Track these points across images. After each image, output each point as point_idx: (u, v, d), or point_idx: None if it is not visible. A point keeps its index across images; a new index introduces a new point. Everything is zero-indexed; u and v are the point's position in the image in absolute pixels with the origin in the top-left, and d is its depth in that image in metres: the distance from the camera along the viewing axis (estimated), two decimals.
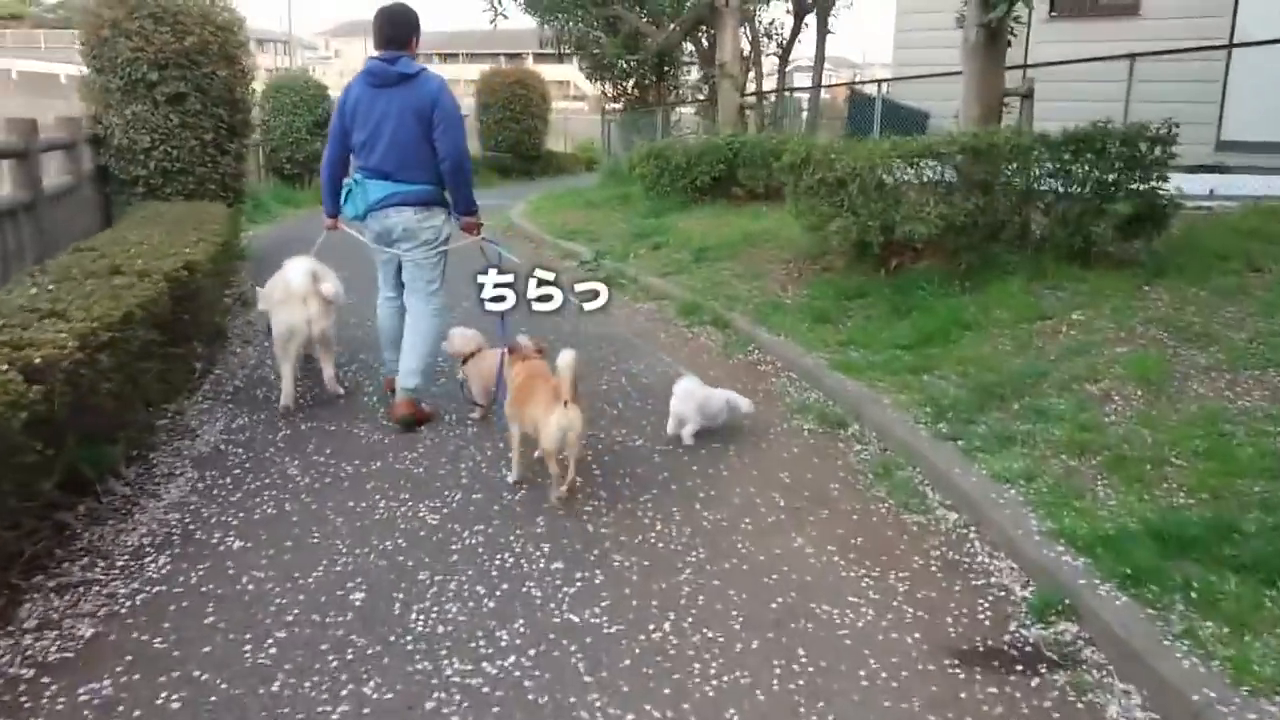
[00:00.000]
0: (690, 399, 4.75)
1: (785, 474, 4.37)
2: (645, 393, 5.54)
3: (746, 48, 15.83)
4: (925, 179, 6.89)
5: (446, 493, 4.06)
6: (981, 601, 3.24)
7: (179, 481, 4.09)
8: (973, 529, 3.76)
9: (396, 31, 4.73)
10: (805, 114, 16.30)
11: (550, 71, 50.22)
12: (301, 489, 4.05)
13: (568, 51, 18.67)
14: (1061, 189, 6.66)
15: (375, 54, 4.77)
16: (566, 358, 3.78)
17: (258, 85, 16.25)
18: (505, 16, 16.46)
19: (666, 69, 18.09)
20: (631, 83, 19.06)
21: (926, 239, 6.64)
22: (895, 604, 3.23)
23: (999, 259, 6.68)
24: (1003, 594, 3.29)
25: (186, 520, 3.72)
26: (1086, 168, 6.53)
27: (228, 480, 4.12)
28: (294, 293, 4.97)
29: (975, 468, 4.06)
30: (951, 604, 3.23)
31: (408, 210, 4.78)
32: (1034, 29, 9.76)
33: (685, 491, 4.14)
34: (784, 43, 16.88)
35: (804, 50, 17.50)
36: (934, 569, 3.48)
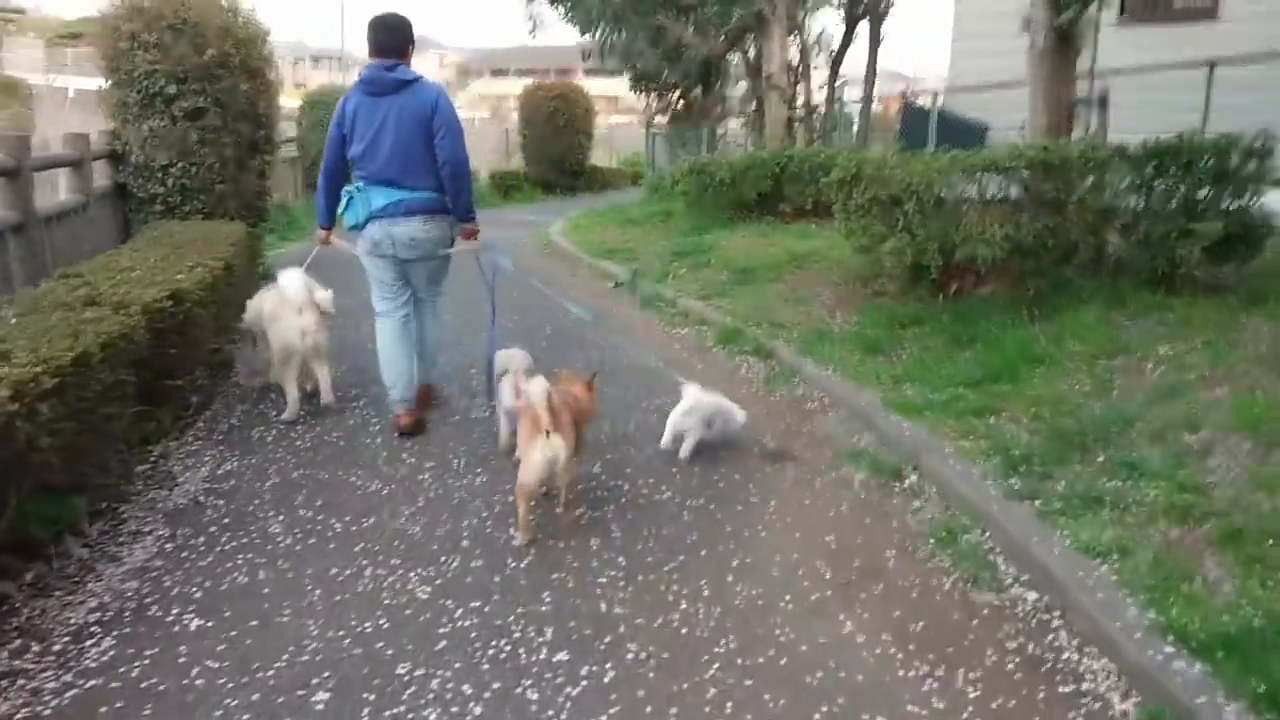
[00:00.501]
0: (697, 411, 4.62)
1: (832, 537, 3.81)
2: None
3: (795, 58, 15.29)
4: (988, 196, 6.28)
5: (443, 558, 3.56)
6: (1074, 716, 2.66)
7: (146, 541, 3.64)
8: (1057, 615, 3.17)
9: (392, 40, 4.78)
10: (856, 127, 15.71)
11: (600, 86, 50.06)
12: (281, 551, 3.58)
13: (613, 65, 18.22)
14: (1142, 207, 6.02)
15: (371, 62, 4.78)
16: (536, 387, 3.71)
17: (290, 100, 16.16)
18: (545, 29, 16.15)
19: (713, 81, 17.59)
20: (677, 95, 18.58)
21: (990, 262, 6.03)
22: (965, 718, 2.66)
23: (1071, 285, 6.06)
24: (1099, 706, 2.70)
25: (145, 591, 3.27)
26: (1171, 183, 5.89)
27: (201, 540, 3.66)
28: (290, 304, 4.94)
29: (1057, 535, 3.47)
30: (1036, 718, 2.65)
31: (415, 219, 4.79)
32: (1100, 34, 9.10)
33: (716, 559, 3.60)
34: (834, 53, 16.30)
35: (855, 63, 16.98)
36: (1012, 668, 2.90)
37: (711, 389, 4.88)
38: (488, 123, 31.13)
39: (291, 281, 5.03)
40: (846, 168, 7.12)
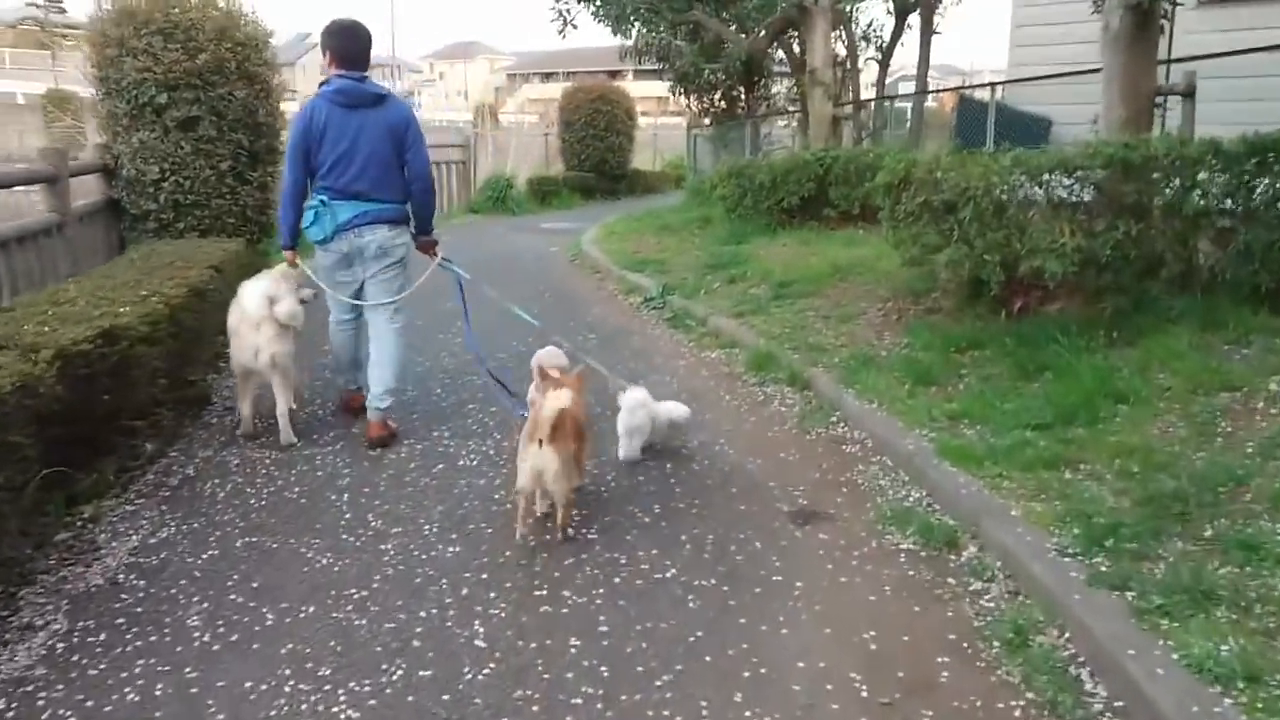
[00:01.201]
0: (640, 410, 4.56)
1: (871, 633, 3.07)
2: (691, 489, 4.30)
3: (842, 52, 14.48)
4: (1057, 200, 5.47)
5: (385, 666, 2.88)
6: None
7: (37, 639, 3.02)
8: None
9: (362, 49, 4.79)
10: (908, 125, 14.81)
11: (649, 88, 49.50)
12: (192, 654, 2.94)
13: (650, 66, 17.54)
14: (1241, 211, 5.17)
15: (341, 73, 4.71)
16: (551, 402, 3.60)
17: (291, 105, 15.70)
18: (574, 27, 15.59)
19: (755, 79, 16.81)
20: (718, 95, 17.82)
21: (1059, 276, 5.22)
22: None
23: (1157, 303, 5.23)
24: None
25: (10, 716, 2.65)
26: (1276, 184, 5.04)
27: (101, 637, 3.03)
28: (247, 318, 4.72)
29: (1159, 646, 2.69)
30: None
31: (382, 228, 4.80)
32: (1179, 16, 8.18)
33: (723, 669, 2.88)
34: (884, 46, 15.41)
35: (906, 57, 16.08)
36: None
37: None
38: (535, 126, 30.65)
39: (251, 293, 4.76)
40: (894, 170, 6.34)
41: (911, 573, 3.48)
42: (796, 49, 14.67)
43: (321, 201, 4.70)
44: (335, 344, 5.24)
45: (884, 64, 15.29)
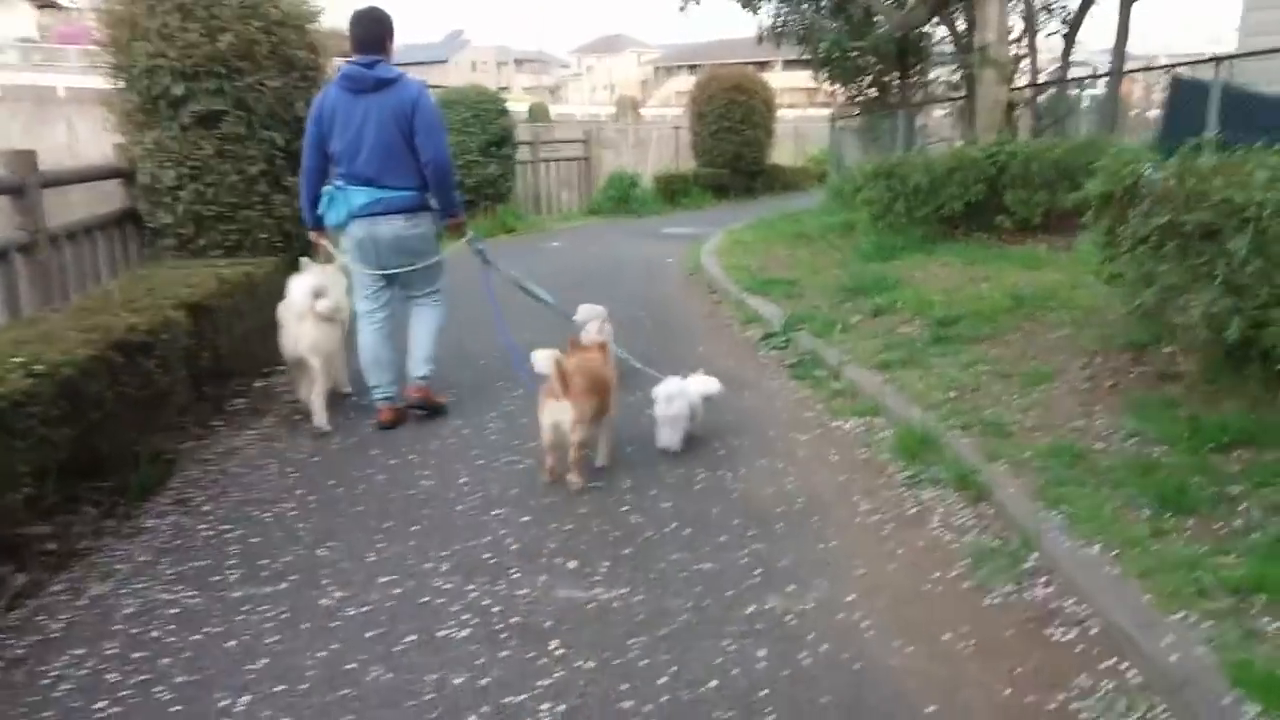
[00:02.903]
0: (680, 399, 4.43)
1: None
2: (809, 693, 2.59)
3: (1017, 27, 12.22)
4: None
5: None
6: None
7: None
8: None
9: (371, 34, 4.69)
10: (1090, 113, 12.40)
11: (795, 78, 47.27)
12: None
13: (795, 56, 15.68)
14: None
15: (352, 59, 4.68)
16: (545, 355, 4.04)
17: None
18: (697, 2, 13.94)
19: (911, 62, 14.69)
20: (867, 81, 15.74)
21: None
22: None
23: None
24: None
25: None
26: None
27: None
28: (292, 310, 4.83)
29: None
30: None
31: (397, 218, 4.75)
32: None
33: None
34: (1070, 17, 13.03)
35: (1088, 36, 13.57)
36: None
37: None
38: (677, 119, 29.01)
39: (298, 287, 4.86)
40: (1117, 175, 4.44)
41: None
42: (961, 23, 12.53)
43: (337, 186, 4.74)
44: (362, 340, 4.99)
45: (1069, 39, 12.90)
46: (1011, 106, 9.66)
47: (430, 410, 5.00)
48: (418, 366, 4.99)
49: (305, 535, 3.66)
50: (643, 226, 14.50)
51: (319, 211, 4.84)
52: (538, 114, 24.63)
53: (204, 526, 3.74)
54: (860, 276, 7.76)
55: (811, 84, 20.88)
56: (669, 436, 4.46)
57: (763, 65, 36.64)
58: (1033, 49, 12.54)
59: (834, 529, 3.69)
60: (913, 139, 13.95)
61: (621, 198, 16.24)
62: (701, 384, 4.60)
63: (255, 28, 6.11)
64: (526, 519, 3.79)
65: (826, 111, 27.64)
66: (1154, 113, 11.21)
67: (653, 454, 4.49)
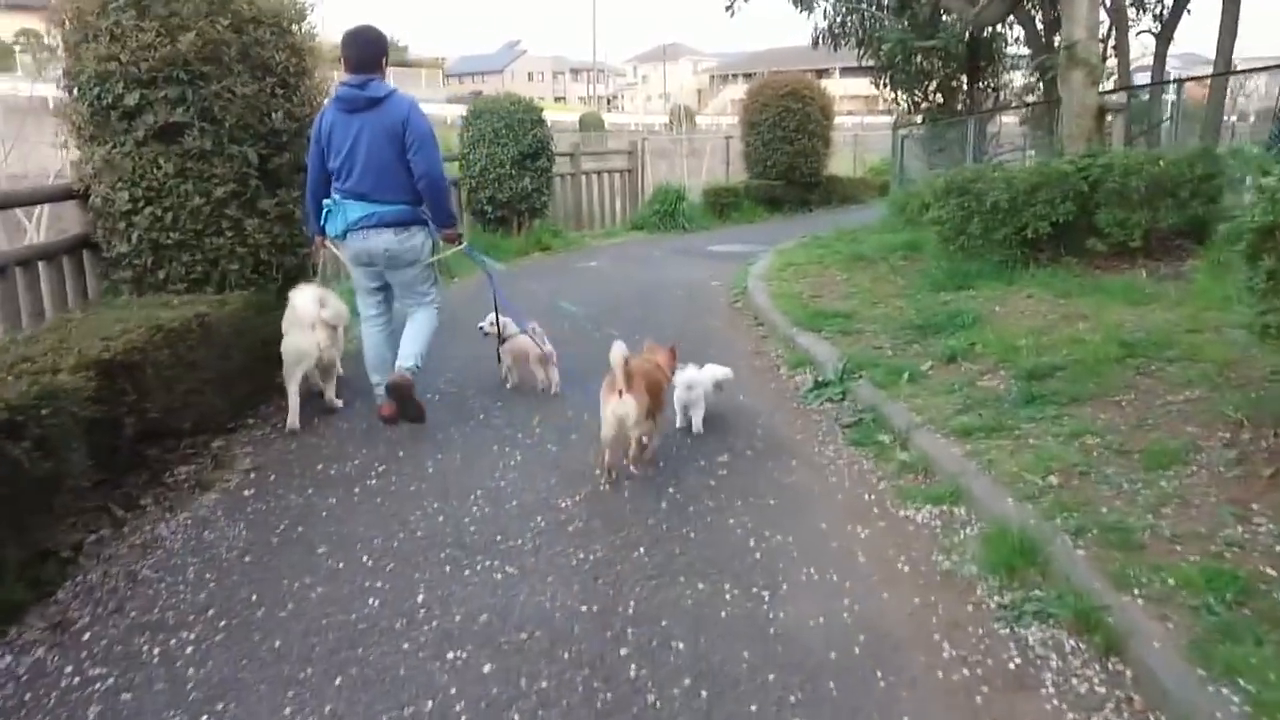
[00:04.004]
0: (699, 386, 4.86)
1: None
2: None
3: (1102, 23, 11.02)
4: None
5: None
6: None
7: None
8: None
9: (364, 54, 4.82)
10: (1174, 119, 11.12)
11: (853, 86, 45.88)
12: None
13: (853, 63, 14.58)
14: None
15: (346, 79, 4.82)
16: (616, 350, 3.95)
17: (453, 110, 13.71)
18: (745, 1, 12.95)
19: (981, 65, 13.51)
20: (933, 85, 14.56)
21: None
22: None
23: None
24: None
25: None
26: None
27: None
28: (301, 319, 5.05)
29: None
30: None
31: (387, 232, 4.92)
32: None
33: None
34: (1163, 14, 11.77)
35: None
36: None
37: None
38: (731, 128, 27.98)
39: (303, 298, 5.12)
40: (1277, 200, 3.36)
41: None
42: (1040, 21, 11.36)
43: (335, 200, 4.93)
44: (366, 342, 5.32)
45: (1164, 37, 11.63)
46: (1102, 112, 8.50)
47: (407, 408, 5.00)
48: (405, 359, 5.04)
49: (193, 690, 2.75)
50: (689, 243, 13.53)
51: (320, 223, 5.05)
52: (590, 123, 23.84)
53: (70, 669, 2.85)
54: (930, 310, 6.70)
55: (871, 91, 19.68)
56: (695, 420, 4.90)
57: (821, 73, 35.44)
58: (1122, 48, 11.31)
59: (907, 692, 2.69)
60: (982, 148, 12.79)
61: (668, 212, 15.26)
62: (715, 371, 5.04)
63: (223, 26, 5.28)
64: (489, 668, 2.83)
65: (885, 119, 26.33)
66: (1234, 119, 10.00)
67: (664, 559, 3.52)
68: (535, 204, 12.61)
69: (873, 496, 4.09)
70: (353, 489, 4.27)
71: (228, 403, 5.16)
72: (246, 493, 4.24)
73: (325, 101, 5.91)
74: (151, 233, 5.31)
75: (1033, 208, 7.25)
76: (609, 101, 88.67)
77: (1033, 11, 11.57)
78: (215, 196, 5.36)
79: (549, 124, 13.12)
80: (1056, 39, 12.59)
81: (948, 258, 7.95)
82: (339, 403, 5.42)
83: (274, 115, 5.54)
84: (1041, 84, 12.13)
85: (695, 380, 4.86)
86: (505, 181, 12.15)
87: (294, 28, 5.82)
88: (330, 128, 4.84)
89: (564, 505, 4.04)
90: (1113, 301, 6.14)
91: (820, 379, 5.67)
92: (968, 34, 11.26)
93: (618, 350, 3.97)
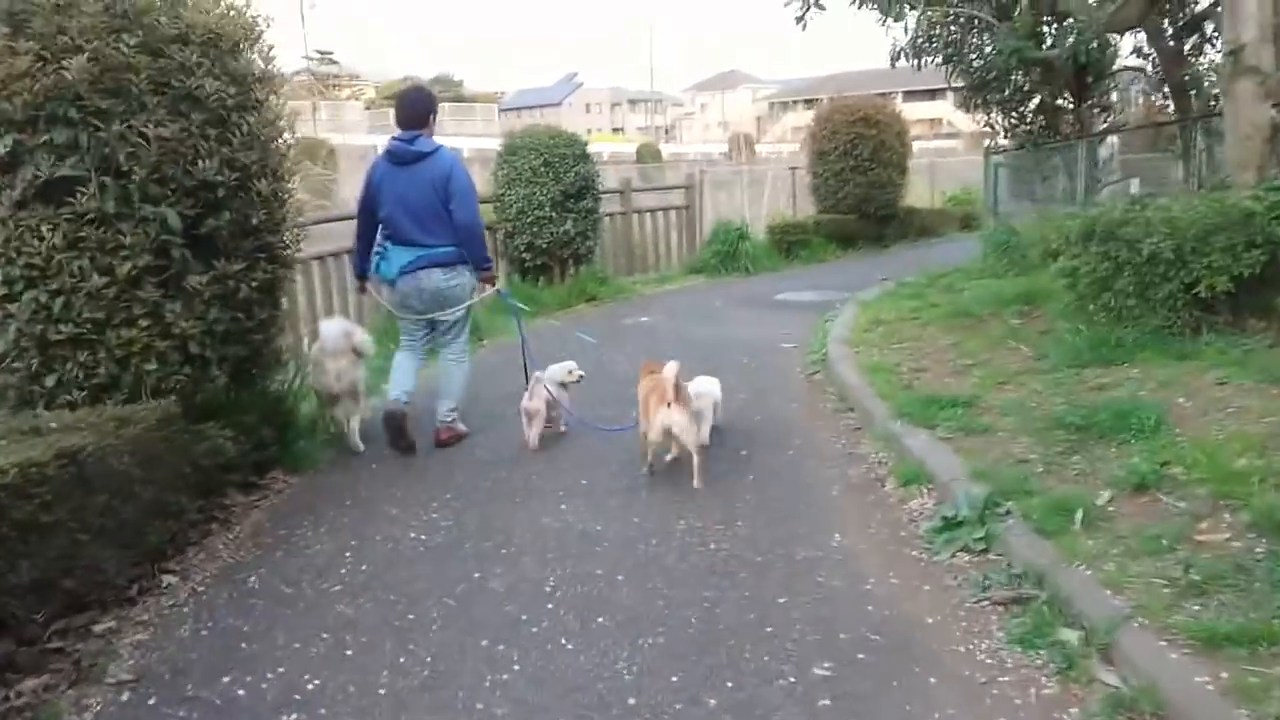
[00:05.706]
0: (707, 397, 5.15)
1: None
2: None
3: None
4: None
5: None
6: None
7: None
8: None
9: (412, 114, 5.36)
10: None
11: (916, 110, 44.01)
12: None
13: (921, 86, 12.95)
14: None
15: (397, 134, 5.35)
16: (669, 368, 4.52)
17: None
18: (822, 7, 11.42)
19: (1090, 81, 11.77)
20: (1033, 105, 12.81)
21: None
22: None
23: None
24: None
25: None
26: None
27: None
28: (329, 350, 5.31)
29: None
30: None
31: (436, 271, 5.35)
32: None
33: None
34: None
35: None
36: None
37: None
38: (797, 155, 26.30)
39: (331, 330, 5.42)
40: None
41: None
42: (1168, 25, 9.62)
43: (385, 247, 5.38)
44: (397, 358, 5.64)
45: None
46: (1276, 131, 6.78)
47: (397, 438, 5.37)
48: (442, 411, 5.57)
49: None
50: (753, 290, 11.96)
51: (374, 269, 5.46)
52: (647, 154, 22.47)
53: None
54: (1080, 399, 5.04)
55: (934, 114, 17.92)
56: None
57: (882, 97, 33.83)
58: None
59: None
60: (1094, 177, 11.04)
61: (729, 253, 13.70)
62: (715, 385, 5.34)
63: (129, 47, 3.91)
64: None
65: (952, 143, 24.43)
66: None
67: None
68: (579, 249, 11.18)
69: None
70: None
71: (130, 557, 3.75)
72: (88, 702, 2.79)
73: (282, 140, 4.56)
74: (35, 325, 3.95)
75: (1207, 257, 5.57)
76: (667, 131, 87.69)
77: (1159, 19, 9.85)
78: (122, 274, 3.99)
79: (596, 157, 11.70)
80: (1186, 46, 10.85)
81: (1086, 320, 6.26)
82: (361, 446, 5.48)
83: (204, 163, 4.15)
84: (1171, 101, 10.40)
85: (703, 390, 5.18)
86: (545, 225, 10.74)
87: (241, 50, 4.45)
88: (380, 180, 5.31)
89: None
90: None
91: (950, 515, 4.05)
92: (1088, 46, 9.49)
93: (671, 367, 4.54)
